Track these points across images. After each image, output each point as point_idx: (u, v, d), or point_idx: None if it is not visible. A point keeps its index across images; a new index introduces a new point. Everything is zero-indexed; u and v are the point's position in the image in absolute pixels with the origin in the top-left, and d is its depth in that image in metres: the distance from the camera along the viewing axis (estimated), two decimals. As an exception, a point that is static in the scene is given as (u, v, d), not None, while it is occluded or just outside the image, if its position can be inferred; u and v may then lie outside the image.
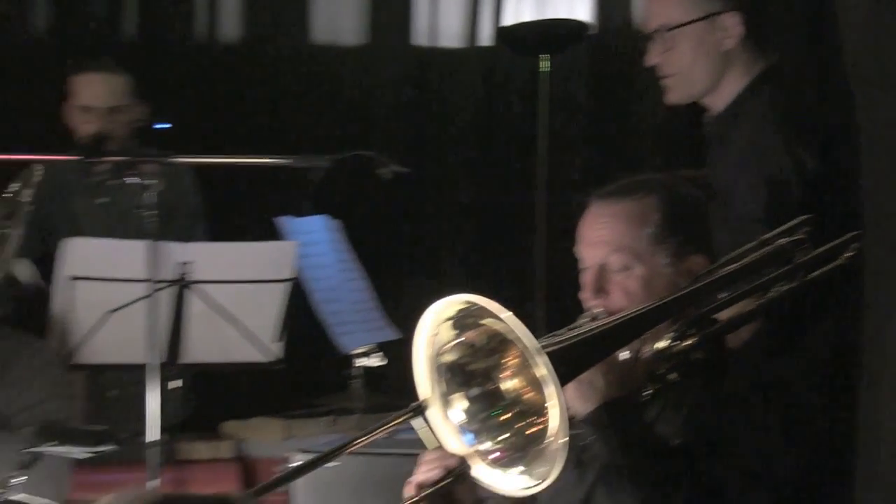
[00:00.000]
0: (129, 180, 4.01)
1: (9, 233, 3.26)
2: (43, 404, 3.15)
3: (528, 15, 5.79)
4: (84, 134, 4.68)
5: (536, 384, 2.24)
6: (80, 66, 4.86)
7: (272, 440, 4.55)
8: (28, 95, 5.59)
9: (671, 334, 2.45)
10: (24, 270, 4.33)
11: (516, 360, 2.31)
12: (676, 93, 3.37)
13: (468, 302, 2.26)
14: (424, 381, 2.34)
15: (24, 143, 4.74)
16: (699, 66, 3.30)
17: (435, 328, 2.31)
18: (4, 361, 3.18)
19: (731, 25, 3.27)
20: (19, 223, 3.27)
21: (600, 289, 2.54)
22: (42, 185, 4.90)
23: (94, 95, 4.79)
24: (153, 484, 3.73)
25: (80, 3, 5.90)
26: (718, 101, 3.33)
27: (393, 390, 4.42)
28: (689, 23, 3.27)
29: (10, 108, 5.70)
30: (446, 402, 2.34)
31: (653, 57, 3.34)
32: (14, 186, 3.36)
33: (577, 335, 2.33)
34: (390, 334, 4.55)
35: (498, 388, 2.35)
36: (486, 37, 5.85)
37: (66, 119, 4.82)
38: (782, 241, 2.60)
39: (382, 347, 4.48)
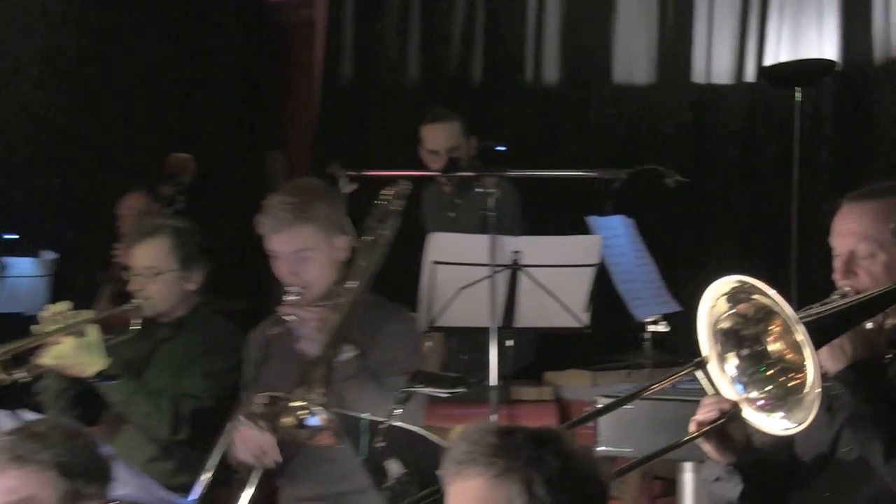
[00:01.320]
0: (475, 190, 4.08)
1: (382, 234, 3.20)
2: (402, 363, 3.06)
3: (784, 55, 5.60)
4: (433, 170, 4.78)
5: (796, 347, 2.18)
6: (426, 118, 4.96)
7: (581, 387, 4.55)
8: (405, 125, 5.78)
9: (910, 309, 2.34)
10: None
11: (779, 328, 2.25)
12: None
13: (741, 281, 2.22)
14: (704, 341, 2.31)
15: (402, 162, 4.93)
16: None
17: (713, 301, 2.27)
18: (378, 325, 3.16)
19: None
20: (389, 228, 3.21)
21: (849, 271, 2.43)
22: (419, 196, 5.10)
23: (436, 141, 4.89)
24: (493, 418, 3.76)
25: (440, 57, 6.06)
26: None
27: (675, 350, 4.37)
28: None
29: (393, 135, 5.91)
30: (722, 359, 2.30)
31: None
32: (386, 196, 3.29)
33: (831, 308, 2.26)
34: (674, 306, 4.47)
35: (765, 349, 2.29)
36: (750, 74, 5.69)
37: (422, 158, 4.93)
38: None
39: (667, 317, 4.41)
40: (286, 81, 6.72)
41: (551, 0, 5.91)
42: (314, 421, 2.79)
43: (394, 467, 2.56)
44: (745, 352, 2.28)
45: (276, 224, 3.13)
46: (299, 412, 2.81)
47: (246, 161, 6.56)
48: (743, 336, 2.28)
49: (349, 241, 3.21)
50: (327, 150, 5.91)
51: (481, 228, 3.87)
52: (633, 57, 5.81)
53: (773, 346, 2.28)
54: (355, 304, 3.05)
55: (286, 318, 3.10)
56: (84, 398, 3.54)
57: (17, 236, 5.66)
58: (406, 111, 5.92)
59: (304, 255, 3.13)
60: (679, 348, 4.28)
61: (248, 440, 3.04)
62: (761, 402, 2.27)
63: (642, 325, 4.40)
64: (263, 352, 3.22)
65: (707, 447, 2.36)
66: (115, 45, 6.19)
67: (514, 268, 3.91)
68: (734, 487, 2.37)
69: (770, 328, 2.27)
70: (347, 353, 3.06)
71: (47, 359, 3.36)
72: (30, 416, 3.03)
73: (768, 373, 2.28)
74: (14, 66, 5.72)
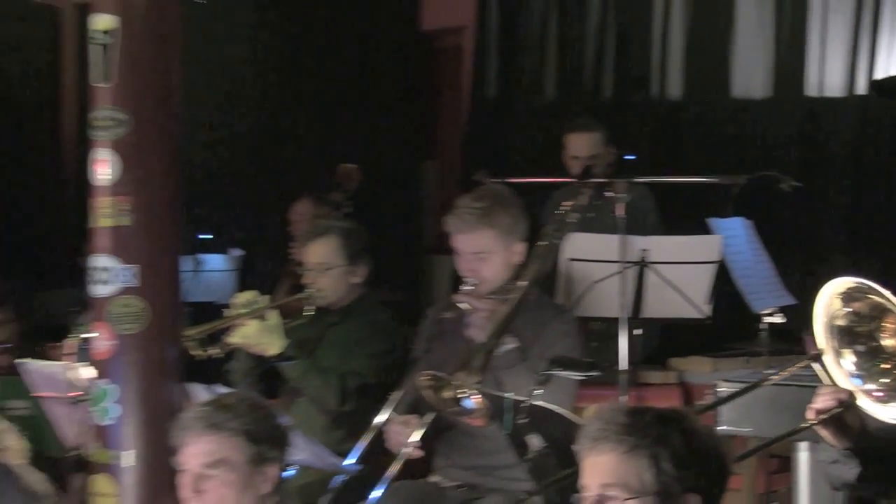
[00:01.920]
0: (607, 194, 4.03)
1: (556, 243, 3.21)
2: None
3: (894, 69, 5.36)
4: (573, 174, 4.73)
5: (911, 343, 2.10)
6: (570, 127, 4.88)
7: (703, 372, 4.44)
8: (543, 137, 5.76)
9: None
10: None
11: (893, 325, 2.17)
12: None
13: (857, 282, 2.15)
14: (821, 336, 2.23)
15: (539, 169, 4.91)
16: None
17: (830, 299, 2.19)
18: (543, 322, 3.13)
19: None
20: (563, 237, 3.24)
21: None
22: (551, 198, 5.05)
23: (579, 148, 4.80)
24: (623, 399, 3.74)
25: (575, 75, 6.03)
26: None
27: (790, 339, 4.23)
28: None
29: (532, 146, 5.90)
30: (839, 354, 2.22)
31: None
32: (566, 206, 3.29)
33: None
34: (789, 300, 4.33)
35: (879, 345, 2.21)
36: (861, 87, 5.46)
37: (564, 162, 4.89)
38: None
39: (783, 309, 4.28)
40: (439, 99, 6.79)
41: (675, 21, 5.81)
42: (469, 403, 2.81)
43: (534, 441, 2.56)
44: (860, 348, 2.21)
45: (462, 225, 3.14)
46: (458, 391, 2.83)
47: (404, 170, 6.65)
48: (857, 333, 2.21)
49: (525, 248, 3.18)
50: (474, 160, 5.94)
51: (617, 229, 3.83)
52: (750, 72, 5.66)
53: (888, 342, 2.20)
54: (522, 301, 3.03)
55: (460, 304, 3.12)
56: (265, 375, 3.65)
57: (210, 236, 5.87)
58: (544, 124, 5.91)
59: (483, 256, 3.12)
60: (794, 337, 4.15)
61: (393, 436, 3.08)
62: (879, 393, 2.19)
63: (759, 317, 4.28)
64: (435, 330, 3.25)
65: (824, 433, 2.27)
66: (294, 69, 6.36)
67: (642, 264, 3.86)
68: (851, 470, 2.28)
69: (884, 325, 2.19)
70: (509, 344, 3.06)
71: (235, 338, 3.47)
72: (222, 389, 3.13)
73: (884, 366, 2.20)
74: (207, 87, 5.92)
